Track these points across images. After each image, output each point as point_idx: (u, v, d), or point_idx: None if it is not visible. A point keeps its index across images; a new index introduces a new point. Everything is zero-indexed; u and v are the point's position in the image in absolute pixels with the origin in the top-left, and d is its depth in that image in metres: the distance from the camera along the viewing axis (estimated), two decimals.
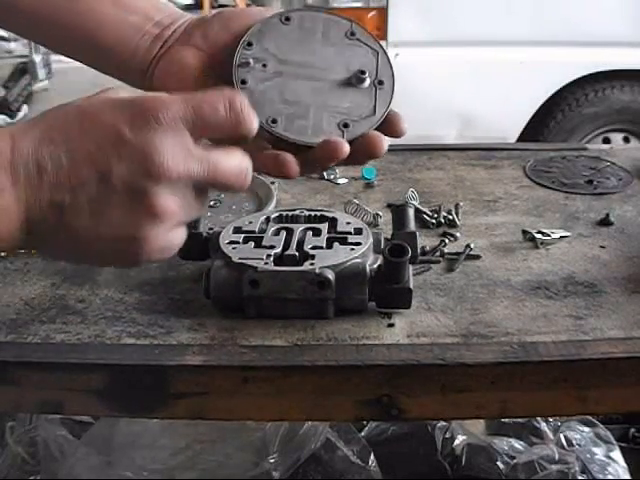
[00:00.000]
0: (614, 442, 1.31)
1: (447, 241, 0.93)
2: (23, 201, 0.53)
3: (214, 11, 0.74)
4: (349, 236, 0.82)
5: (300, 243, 0.80)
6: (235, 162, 0.57)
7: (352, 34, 0.71)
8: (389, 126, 0.69)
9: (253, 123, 0.57)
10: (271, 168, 0.66)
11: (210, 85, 0.68)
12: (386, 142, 0.68)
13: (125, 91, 0.56)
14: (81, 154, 0.53)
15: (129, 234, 0.55)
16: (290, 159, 0.65)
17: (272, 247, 0.79)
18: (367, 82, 0.68)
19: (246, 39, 0.70)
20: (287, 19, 0.71)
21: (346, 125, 0.67)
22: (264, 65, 0.67)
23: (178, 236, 0.58)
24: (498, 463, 1.24)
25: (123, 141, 0.53)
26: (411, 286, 0.76)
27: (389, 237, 0.86)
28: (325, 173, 1.15)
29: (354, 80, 0.68)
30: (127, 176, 0.53)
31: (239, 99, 0.56)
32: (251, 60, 0.69)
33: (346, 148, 0.65)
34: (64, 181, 0.53)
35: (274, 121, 0.64)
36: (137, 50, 0.74)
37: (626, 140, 2.97)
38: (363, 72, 0.68)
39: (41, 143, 0.53)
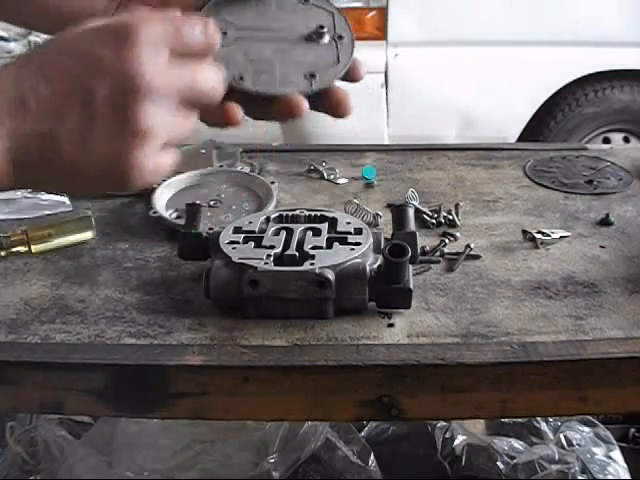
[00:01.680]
0: (614, 442, 1.31)
1: (447, 241, 0.93)
2: (7, 136, 0.52)
3: None
4: (349, 236, 0.82)
5: (300, 243, 0.80)
6: (211, 73, 0.58)
7: (305, 0, 0.73)
8: (351, 73, 0.70)
9: (217, 45, 0.58)
10: (217, 116, 0.64)
11: None
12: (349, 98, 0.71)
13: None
14: (61, 81, 0.52)
15: (117, 156, 0.54)
16: (234, 105, 0.64)
17: (272, 247, 0.79)
18: (327, 37, 0.71)
19: (203, 13, 0.71)
20: None
21: (312, 75, 0.69)
22: (224, 33, 0.68)
23: (168, 157, 0.57)
24: (498, 463, 1.24)
25: (103, 61, 0.52)
26: (411, 286, 0.76)
27: (389, 237, 0.86)
28: (325, 173, 1.16)
29: (314, 36, 0.71)
30: (109, 96, 0.52)
31: (212, 24, 0.58)
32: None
33: (305, 105, 0.67)
34: (47, 110, 0.52)
35: (241, 78, 0.65)
36: (95, 12, 0.71)
37: (626, 140, 2.96)
38: (322, 27, 0.70)
39: (21, 75, 0.52)
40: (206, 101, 0.58)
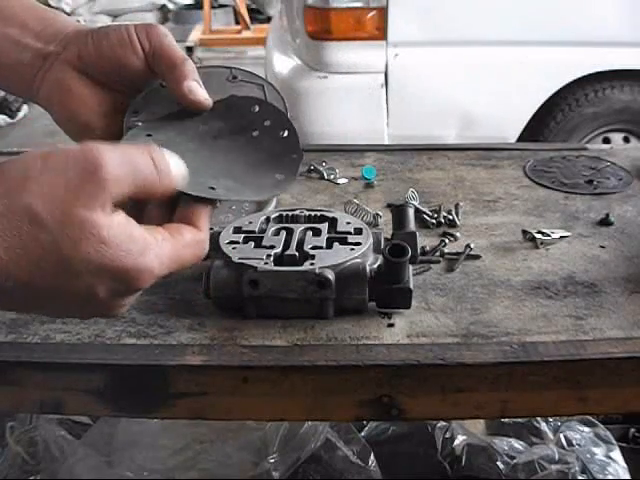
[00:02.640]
0: (614, 442, 1.31)
1: (447, 241, 0.93)
2: None
3: (94, 28, 0.70)
4: (349, 236, 0.82)
5: (300, 243, 0.80)
6: (197, 252, 0.60)
7: (234, 78, 0.72)
8: None
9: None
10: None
11: (91, 105, 0.68)
12: None
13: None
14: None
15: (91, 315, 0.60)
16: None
17: (272, 247, 0.79)
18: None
19: (132, 107, 0.70)
20: (163, 86, 0.70)
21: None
22: (149, 135, 0.66)
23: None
24: (498, 463, 1.24)
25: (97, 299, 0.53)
26: (411, 286, 0.76)
27: (389, 237, 0.86)
28: (325, 173, 1.16)
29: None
30: (108, 296, 0.54)
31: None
32: (139, 124, 0.68)
33: None
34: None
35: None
36: (17, 65, 0.70)
37: (626, 140, 2.96)
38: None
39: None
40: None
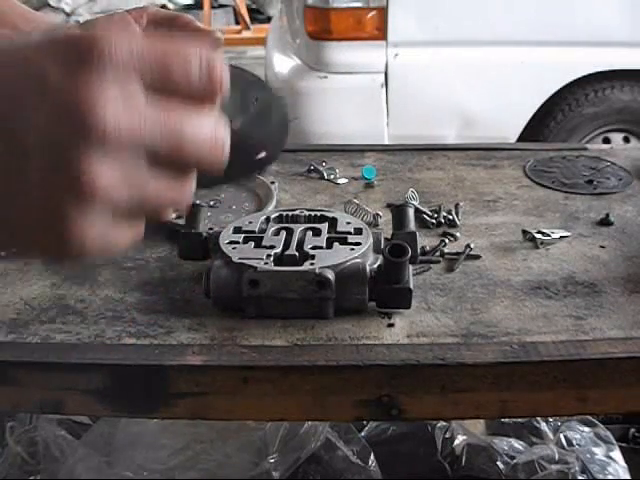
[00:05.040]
0: (614, 442, 1.31)
1: (447, 241, 0.93)
2: None
3: (81, 22, 0.69)
4: (349, 236, 0.82)
5: (300, 243, 0.80)
6: (208, 127, 0.40)
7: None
8: None
9: (224, 90, 0.41)
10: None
11: None
12: None
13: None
14: None
15: (51, 213, 0.38)
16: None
17: (272, 247, 0.79)
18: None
19: None
20: None
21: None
22: None
23: (124, 233, 0.41)
24: (498, 463, 1.24)
25: (46, 86, 0.36)
26: (411, 286, 0.76)
27: (389, 237, 0.86)
28: (325, 173, 1.15)
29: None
30: (46, 134, 0.37)
31: (220, 64, 0.40)
32: None
33: None
34: None
35: None
36: None
37: (626, 140, 2.96)
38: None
39: None
40: (196, 166, 0.41)
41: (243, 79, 0.63)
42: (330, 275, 0.75)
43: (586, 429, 1.32)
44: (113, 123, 0.36)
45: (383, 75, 2.72)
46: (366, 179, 1.14)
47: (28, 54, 0.38)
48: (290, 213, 0.87)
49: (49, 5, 6.87)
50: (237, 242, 0.81)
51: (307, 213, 0.87)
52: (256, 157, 0.58)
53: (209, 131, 0.40)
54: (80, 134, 0.36)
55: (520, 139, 2.82)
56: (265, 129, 0.61)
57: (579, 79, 2.80)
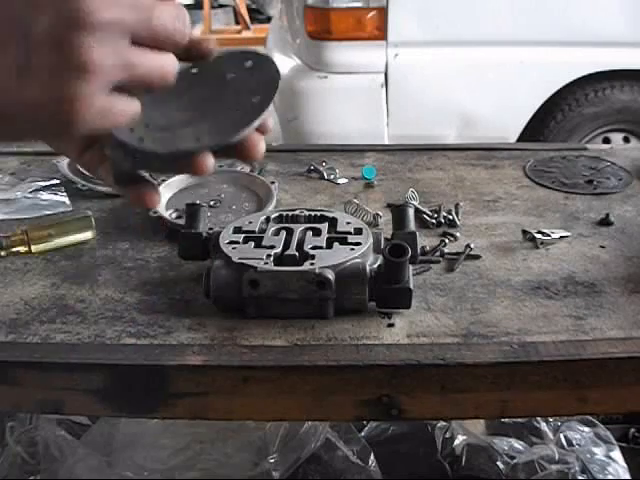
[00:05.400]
0: (614, 442, 1.31)
1: (447, 241, 0.93)
2: None
3: None
4: (349, 236, 0.82)
5: (300, 243, 0.80)
6: (172, 9, 0.51)
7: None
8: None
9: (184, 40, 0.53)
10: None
11: None
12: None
13: None
14: None
15: (56, 90, 0.47)
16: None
17: (272, 247, 0.79)
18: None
19: None
20: None
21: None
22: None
23: (124, 101, 0.51)
24: (498, 463, 1.24)
25: None
26: (411, 286, 0.76)
27: (389, 237, 0.86)
28: (325, 173, 1.16)
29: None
30: (48, 28, 0.46)
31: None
32: None
33: (208, 163, 0.58)
34: None
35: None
36: None
37: (626, 140, 2.96)
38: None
39: None
40: (166, 40, 0.52)
41: (242, 51, 0.67)
42: (330, 275, 0.75)
43: (586, 429, 1.32)
44: (99, 11, 0.47)
45: (383, 75, 2.72)
46: (366, 179, 1.14)
47: None
48: (290, 213, 0.87)
49: None
50: (237, 242, 0.81)
51: (307, 213, 0.87)
52: (252, 100, 0.61)
53: (173, 10, 0.52)
54: (74, 25, 0.46)
55: (520, 139, 2.81)
56: (258, 79, 0.63)
57: (579, 79, 2.80)
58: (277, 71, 0.64)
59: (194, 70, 0.65)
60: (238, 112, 0.62)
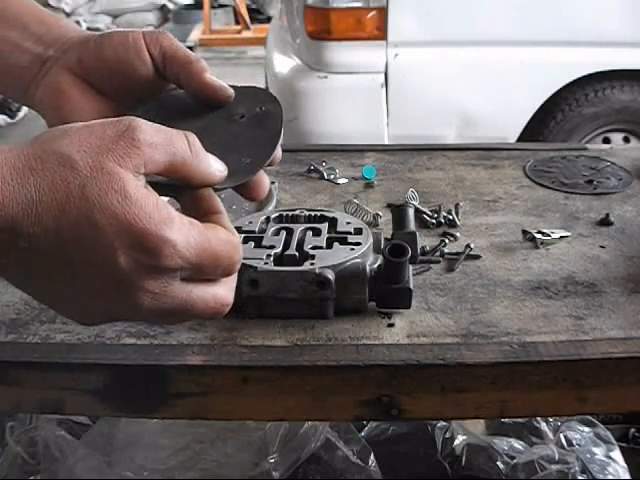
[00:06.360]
0: (614, 442, 1.31)
1: (447, 241, 0.93)
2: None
3: (97, 33, 0.69)
4: (349, 236, 0.82)
5: (300, 243, 0.80)
6: (226, 243, 0.55)
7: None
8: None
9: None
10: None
11: (86, 111, 0.66)
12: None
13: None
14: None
15: (107, 317, 0.54)
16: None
17: (272, 247, 0.79)
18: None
19: (131, 113, 0.67)
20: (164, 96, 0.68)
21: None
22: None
23: (170, 320, 0.57)
24: (498, 463, 1.24)
25: (115, 264, 0.49)
26: (411, 286, 0.76)
27: (389, 237, 0.86)
28: (325, 173, 1.15)
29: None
30: (126, 261, 0.50)
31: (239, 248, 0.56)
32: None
33: None
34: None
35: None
36: (14, 68, 0.69)
37: (626, 140, 2.96)
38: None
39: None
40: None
41: (255, 91, 0.67)
42: (330, 275, 0.75)
43: (586, 429, 1.32)
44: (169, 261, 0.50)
45: (383, 75, 2.72)
46: (366, 179, 1.14)
47: (101, 240, 0.48)
48: (290, 213, 0.87)
49: (49, 5, 6.88)
50: None
51: (307, 213, 0.87)
52: (242, 161, 0.60)
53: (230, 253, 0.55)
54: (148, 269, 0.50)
55: (520, 139, 2.81)
56: (254, 137, 0.63)
57: (579, 79, 2.80)
58: (282, 121, 0.63)
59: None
60: (246, 155, 0.61)
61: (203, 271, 0.52)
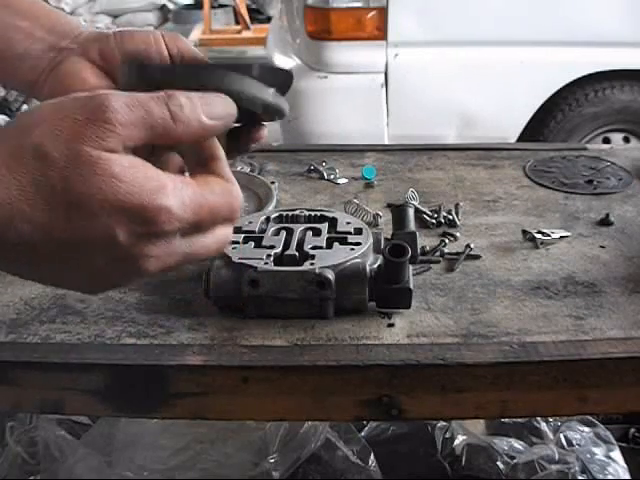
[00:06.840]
0: (614, 442, 1.31)
1: (447, 241, 0.93)
2: None
3: (112, 29, 0.72)
4: (349, 236, 0.82)
5: (300, 243, 0.80)
6: (223, 194, 0.54)
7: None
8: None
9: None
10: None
11: None
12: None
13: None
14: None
15: (111, 284, 0.54)
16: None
17: (272, 247, 0.79)
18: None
19: None
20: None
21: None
22: None
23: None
24: (498, 463, 1.24)
25: (115, 242, 0.49)
26: (411, 286, 0.76)
27: (389, 237, 0.86)
28: (325, 173, 1.15)
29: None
30: (126, 236, 0.50)
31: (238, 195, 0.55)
32: None
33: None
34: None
35: None
36: (25, 56, 0.70)
37: (626, 140, 2.96)
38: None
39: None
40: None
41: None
42: (330, 275, 0.75)
43: (586, 429, 1.32)
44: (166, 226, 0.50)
45: (383, 75, 2.72)
46: (366, 179, 1.14)
47: (98, 226, 0.48)
48: (290, 213, 0.87)
49: (48, 5, 6.86)
50: (237, 242, 0.81)
51: (307, 213, 0.87)
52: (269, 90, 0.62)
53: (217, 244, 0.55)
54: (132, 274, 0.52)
55: (520, 139, 2.81)
56: (274, 78, 0.64)
57: (579, 79, 2.80)
58: (291, 76, 0.65)
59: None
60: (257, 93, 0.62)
61: (202, 226, 0.52)
